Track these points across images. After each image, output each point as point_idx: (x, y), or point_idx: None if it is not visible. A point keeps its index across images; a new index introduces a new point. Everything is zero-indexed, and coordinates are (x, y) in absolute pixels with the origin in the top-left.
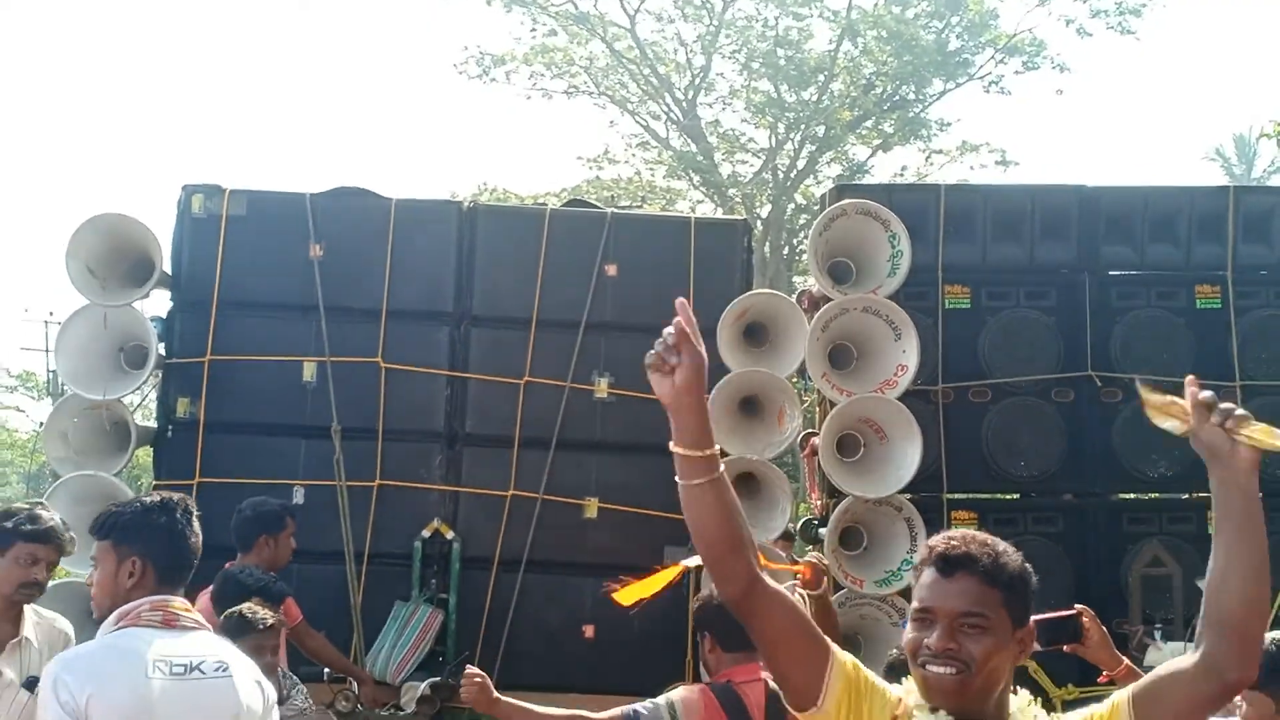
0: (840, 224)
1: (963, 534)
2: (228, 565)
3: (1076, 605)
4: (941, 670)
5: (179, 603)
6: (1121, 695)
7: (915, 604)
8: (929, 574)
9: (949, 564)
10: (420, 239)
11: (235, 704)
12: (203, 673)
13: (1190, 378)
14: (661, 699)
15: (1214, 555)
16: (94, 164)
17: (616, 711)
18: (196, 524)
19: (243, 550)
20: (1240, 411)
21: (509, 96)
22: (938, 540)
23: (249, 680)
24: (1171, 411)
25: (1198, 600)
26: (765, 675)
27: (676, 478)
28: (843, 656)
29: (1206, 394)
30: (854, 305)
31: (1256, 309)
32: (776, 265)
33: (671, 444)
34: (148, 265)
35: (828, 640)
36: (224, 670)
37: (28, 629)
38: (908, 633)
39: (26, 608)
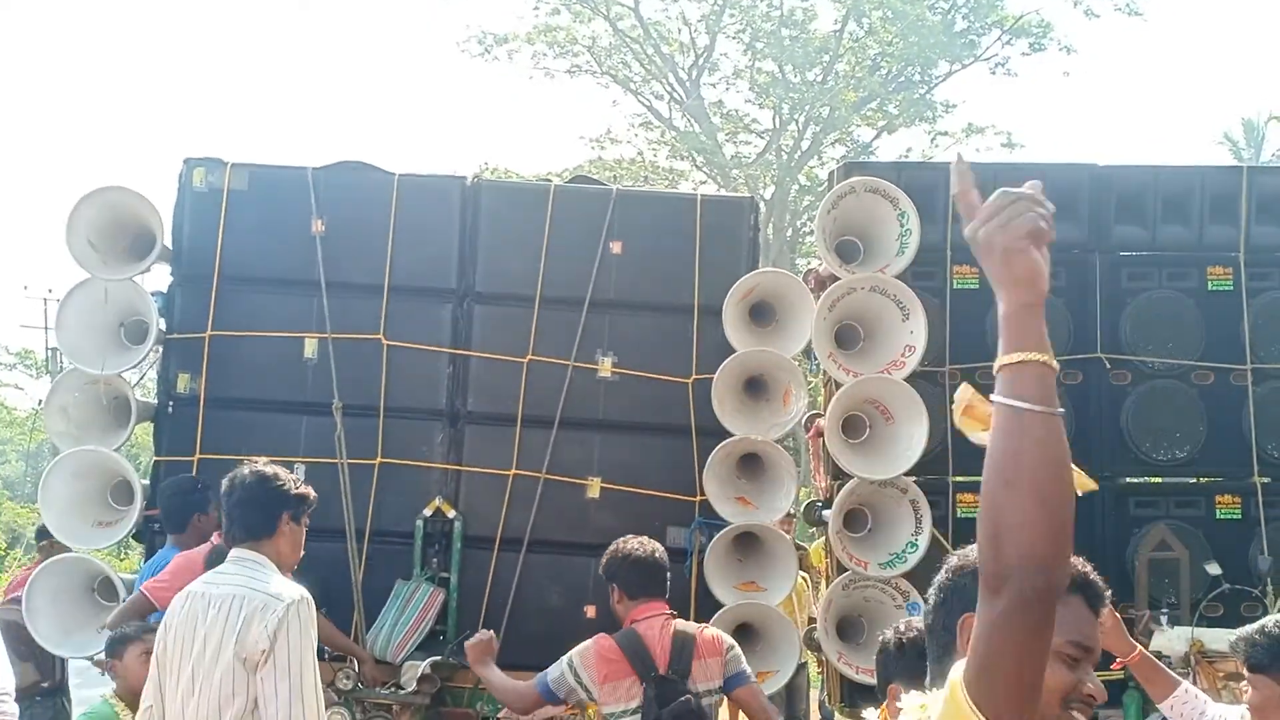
0: (848, 202)
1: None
2: (214, 539)
3: None
4: (1083, 717)
5: None
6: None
7: (1074, 638)
8: (1079, 603)
9: (1099, 599)
10: (423, 214)
11: None
12: None
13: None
14: (564, 657)
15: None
16: (94, 139)
17: (533, 680)
18: None
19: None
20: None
21: (511, 76)
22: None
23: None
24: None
25: (1205, 584)
26: (671, 613)
27: (1022, 403)
28: None
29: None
30: (861, 284)
31: (1269, 291)
32: (779, 247)
33: (1020, 355)
34: (148, 239)
35: None
36: None
37: None
38: (1059, 671)
39: None
